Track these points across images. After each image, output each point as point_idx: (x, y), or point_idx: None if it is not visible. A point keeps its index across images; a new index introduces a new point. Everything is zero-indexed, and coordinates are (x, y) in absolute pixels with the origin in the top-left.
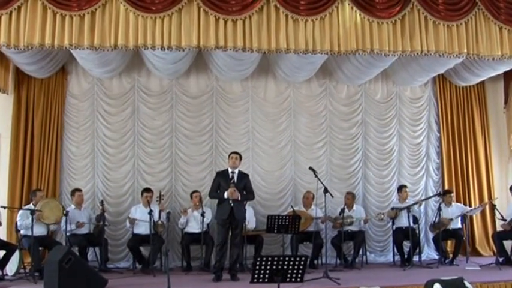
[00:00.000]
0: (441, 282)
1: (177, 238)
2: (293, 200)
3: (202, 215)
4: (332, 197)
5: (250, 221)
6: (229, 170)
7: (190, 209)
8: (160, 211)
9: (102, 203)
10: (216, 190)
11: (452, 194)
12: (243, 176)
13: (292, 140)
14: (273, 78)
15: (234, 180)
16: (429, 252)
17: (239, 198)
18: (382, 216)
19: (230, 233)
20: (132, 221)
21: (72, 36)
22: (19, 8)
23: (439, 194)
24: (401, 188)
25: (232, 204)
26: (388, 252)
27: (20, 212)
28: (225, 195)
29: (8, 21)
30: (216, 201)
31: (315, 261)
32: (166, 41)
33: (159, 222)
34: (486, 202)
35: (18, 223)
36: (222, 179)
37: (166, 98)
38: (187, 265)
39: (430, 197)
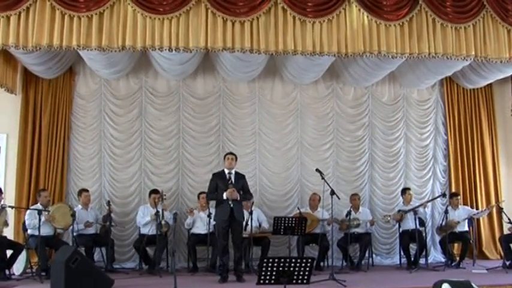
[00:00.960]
0: (450, 282)
1: (183, 239)
2: (299, 201)
3: (209, 216)
4: (339, 198)
5: (263, 222)
6: (226, 171)
7: (197, 210)
8: (163, 211)
9: (109, 203)
10: (214, 192)
11: (459, 197)
12: (239, 176)
13: (298, 141)
14: (280, 79)
15: (231, 181)
16: (436, 255)
17: (238, 198)
18: (389, 218)
19: (231, 235)
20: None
21: (80, 37)
22: (28, 8)
23: (443, 195)
24: (404, 191)
25: (232, 205)
26: (395, 254)
27: (28, 211)
28: (224, 196)
29: (16, 22)
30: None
31: (321, 263)
32: (173, 42)
33: (163, 222)
34: (493, 205)
35: (27, 222)
36: (219, 180)
37: (173, 99)
38: (194, 266)
39: (435, 198)
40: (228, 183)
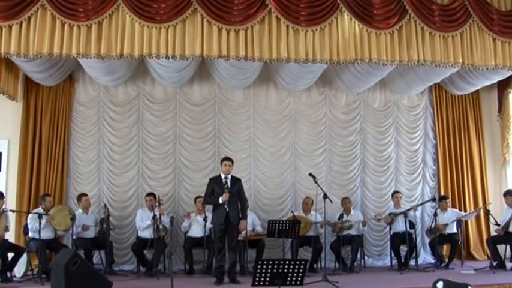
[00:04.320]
0: (445, 281)
1: (180, 242)
2: (293, 205)
3: (205, 219)
4: (331, 202)
5: (257, 226)
6: (222, 176)
7: (194, 213)
8: (160, 215)
9: (105, 206)
10: (211, 196)
11: (448, 200)
12: (235, 180)
13: (292, 146)
14: (274, 86)
15: (227, 185)
16: (425, 257)
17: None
18: (380, 217)
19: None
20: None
21: (79, 45)
22: (29, 18)
23: (433, 199)
24: (392, 195)
25: (227, 209)
26: (386, 256)
27: (30, 215)
28: (220, 200)
29: (18, 31)
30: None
31: (315, 265)
32: (170, 50)
33: (161, 227)
34: (481, 207)
35: (29, 226)
36: (215, 185)
37: (170, 106)
38: (190, 268)
39: (425, 202)
40: (224, 188)
